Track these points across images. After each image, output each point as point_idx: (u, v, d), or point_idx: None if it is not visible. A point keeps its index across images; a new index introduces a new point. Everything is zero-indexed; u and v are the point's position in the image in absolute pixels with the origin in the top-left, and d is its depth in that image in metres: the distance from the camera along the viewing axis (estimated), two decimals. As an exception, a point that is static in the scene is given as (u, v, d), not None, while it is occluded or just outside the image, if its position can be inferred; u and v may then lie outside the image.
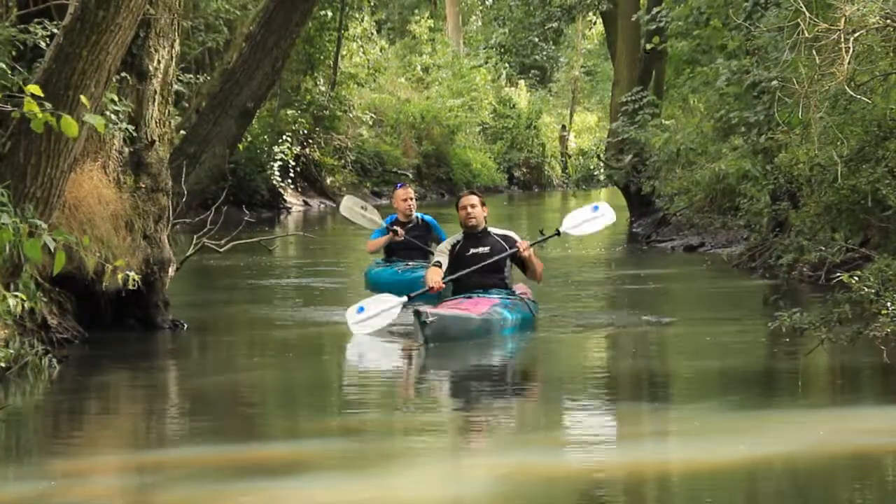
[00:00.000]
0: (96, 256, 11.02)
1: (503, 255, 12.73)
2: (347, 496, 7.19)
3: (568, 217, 13.74)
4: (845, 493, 7.23)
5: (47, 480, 7.48)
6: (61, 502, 6.98)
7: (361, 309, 12.45)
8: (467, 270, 12.66)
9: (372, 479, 7.69)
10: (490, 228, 12.97)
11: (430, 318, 11.64)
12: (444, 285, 12.70)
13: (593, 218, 13.63)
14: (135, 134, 12.65)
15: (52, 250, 7.90)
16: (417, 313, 11.63)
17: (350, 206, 16.56)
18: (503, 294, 12.70)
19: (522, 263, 12.90)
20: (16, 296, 9.60)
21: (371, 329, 12.35)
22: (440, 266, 12.80)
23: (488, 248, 12.78)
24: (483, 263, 12.67)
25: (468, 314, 12.09)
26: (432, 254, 14.21)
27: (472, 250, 12.78)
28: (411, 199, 15.92)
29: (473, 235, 12.88)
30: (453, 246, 12.87)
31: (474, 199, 12.94)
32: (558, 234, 13.61)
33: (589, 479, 7.47)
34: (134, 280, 11.14)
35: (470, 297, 12.47)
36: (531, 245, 12.90)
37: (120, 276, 10.72)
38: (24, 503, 7.00)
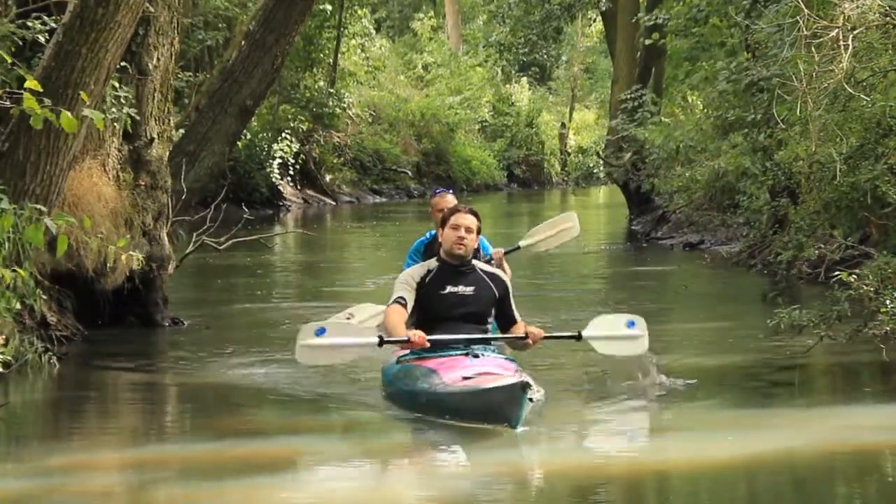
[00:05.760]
0: (98, 237, 10.99)
1: (508, 337, 9.45)
2: (347, 492, 7.19)
3: (596, 323, 9.92)
4: (844, 489, 7.24)
5: (47, 477, 7.48)
6: (61, 499, 6.98)
7: (322, 331, 9.35)
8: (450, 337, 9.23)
9: (371, 476, 7.70)
10: (474, 262, 9.54)
11: (538, 396, 8.74)
12: (428, 343, 9.15)
13: (624, 338, 9.89)
14: (138, 118, 12.64)
15: (54, 233, 7.92)
16: (524, 387, 8.33)
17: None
18: (496, 353, 9.39)
19: (508, 325, 9.54)
20: (14, 270, 9.59)
21: (324, 361, 9.52)
22: (404, 304, 9.33)
23: (472, 288, 9.36)
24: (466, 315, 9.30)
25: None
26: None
27: (451, 288, 9.32)
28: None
29: (454, 268, 9.37)
30: (423, 278, 9.38)
31: (472, 222, 9.37)
32: (579, 338, 9.73)
33: (587, 475, 7.47)
34: (139, 260, 11.15)
35: (477, 357, 9.09)
36: (546, 338, 9.51)
37: (124, 257, 10.73)
38: (24, 499, 7.01)
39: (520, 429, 8.27)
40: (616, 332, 9.84)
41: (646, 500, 7.19)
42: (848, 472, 7.60)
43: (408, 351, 9.29)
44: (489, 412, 8.39)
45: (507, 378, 8.51)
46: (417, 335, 9.07)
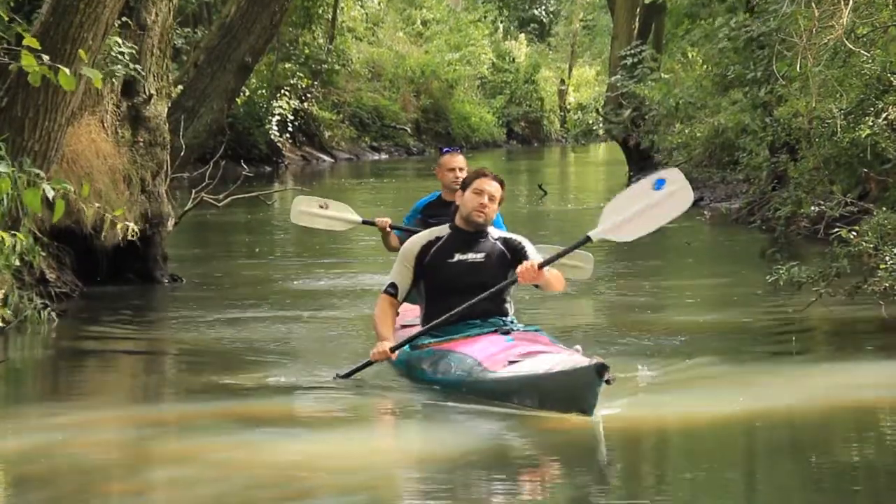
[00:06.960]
0: (95, 206, 11.00)
1: (502, 285, 8.43)
2: (345, 449, 7.20)
3: (610, 208, 8.92)
4: (842, 447, 7.25)
5: (46, 432, 7.49)
6: (60, 455, 6.99)
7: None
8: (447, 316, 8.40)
9: (368, 434, 7.71)
10: (489, 228, 8.64)
11: (613, 376, 7.45)
12: (394, 356, 8.41)
13: (656, 203, 8.79)
14: (142, 72, 12.61)
15: (51, 199, 7.90)
16: (601, 369, 7.28)
17: (302, 210, 11.66)
18: (514, 324, 8.53)
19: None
20: (14, 234, 9.59)
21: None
22: (394, 294, 8.60)
23: (482, 255, 8.52)
24: (479, 296, 8.37)
25: None
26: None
27: (459, 256, 8.50)
28: (462, 169, 10.00)
29: (467, 234, 8.56)
30: (426, 247, 8.60)
31: (497, 190, 8.53)
32: (589, 240, 8.68)
33: (586, 432, 7.48)
34: (133, 231, 11.15)
35: (508, 333, 8.34)
36: (544, 265, 8.31)
37: (119, 226, 10.73)
38: (23, 456, 7.02)
39: (595, 415, 7.38)
40: (642, 203, 8.69)
41: (643, 457, 7.20)
42: (845, 429, 7.61)
43: (418, 324, 8.66)
44: (559, 399, 7.48)
45: (576, 359, 7.61)
46: (380, 352, 8.41)
